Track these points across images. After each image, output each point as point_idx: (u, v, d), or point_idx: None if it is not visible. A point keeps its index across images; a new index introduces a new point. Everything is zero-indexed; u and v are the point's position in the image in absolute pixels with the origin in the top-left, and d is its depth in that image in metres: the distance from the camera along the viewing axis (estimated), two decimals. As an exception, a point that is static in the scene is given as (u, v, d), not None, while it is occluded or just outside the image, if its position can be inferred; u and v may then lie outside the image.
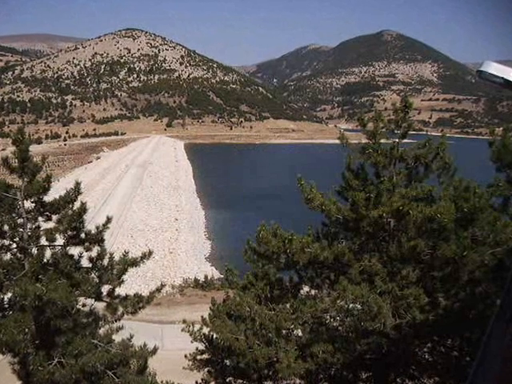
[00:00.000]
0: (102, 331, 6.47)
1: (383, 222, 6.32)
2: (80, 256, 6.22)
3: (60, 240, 5.98)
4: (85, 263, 6.31)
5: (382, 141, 6.62)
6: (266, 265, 7.94)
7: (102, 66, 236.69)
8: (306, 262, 6.71)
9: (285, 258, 7.06)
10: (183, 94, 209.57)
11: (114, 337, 6.45)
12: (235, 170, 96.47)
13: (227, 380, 8.48)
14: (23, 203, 5.71)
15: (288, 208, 41.10)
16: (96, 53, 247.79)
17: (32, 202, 5.81)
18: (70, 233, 5.98)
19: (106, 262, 6.36)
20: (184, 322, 8.66)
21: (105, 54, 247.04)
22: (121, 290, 6.73)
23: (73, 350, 5.61)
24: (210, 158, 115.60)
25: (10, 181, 5.79)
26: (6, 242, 5.81)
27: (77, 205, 6.01)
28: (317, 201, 6.66)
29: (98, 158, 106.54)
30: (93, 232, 6.22)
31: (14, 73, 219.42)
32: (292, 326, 7.16)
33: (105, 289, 6.48)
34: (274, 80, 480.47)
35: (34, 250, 5.80)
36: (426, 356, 6.87)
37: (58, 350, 5.68)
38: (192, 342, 8.79)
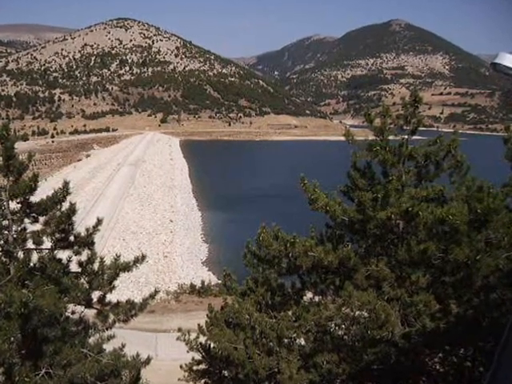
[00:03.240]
0: (92, 340, 6.46)
1: (391, 223, 6.32)
2: (69, 260, 6.21)
3: (47, 243, 5.98)
4: (74, 268, 6.31)
5: (390, 137, 6.62)
6: (266, 269, 7.94)
7: (92, 58, 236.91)
8: (310, 267, 6.71)
9: (287, 262, 7.07)
10: (178, 88, 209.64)
11: (104, 346, 6.45)
12: (234, 168, 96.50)
13: (225, 392, 8.48)
14: (8, 204, 5.70)
15: (290, 209, 41.13)
16: (86, 44, 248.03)
17: (18, 203, 5.80)
18: (58, 235, 5.97)
19: (96, 266, 6.36)
20: (179, 330, 8.67)
21: (95, 46, 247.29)
22: (112, 297, 6.73)
23: (61, 360, 5.61)
24: (208, 155, 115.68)
25: (-6, 180, 5.79)
26: (-10, 246, 5.80)
27: (65, 206, 6.00)
28: (321, 201, 6.66)
29: (88, 155, 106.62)
30: (82, 235, 6.21)
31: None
32: (294, 335, 7.16)
33: (95, 295, 6.48)
34: (276, 73, 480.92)
35: (20, 254, 5.79)
36: (437, 366, 6.88)
37: (46, 359, 5.67)
38: (188, 351, 8.80)
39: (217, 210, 55.11)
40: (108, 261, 6.47)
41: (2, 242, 5.76)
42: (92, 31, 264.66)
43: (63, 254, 6.16)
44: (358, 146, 6.85)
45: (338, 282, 7.03)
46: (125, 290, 26.92)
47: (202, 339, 8.62)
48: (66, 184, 6.02)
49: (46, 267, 5.83)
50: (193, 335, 8.67)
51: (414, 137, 6.70)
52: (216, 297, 20.78)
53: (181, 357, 9.68)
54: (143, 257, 6.56)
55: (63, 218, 5.87)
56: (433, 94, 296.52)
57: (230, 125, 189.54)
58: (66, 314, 6.08)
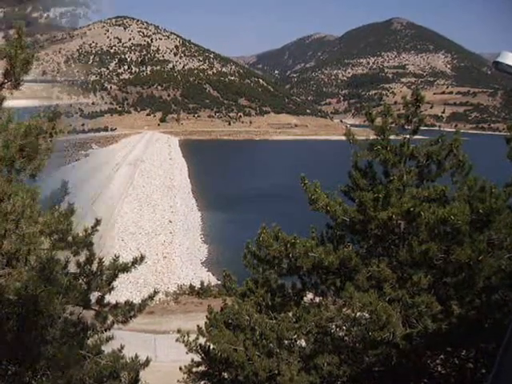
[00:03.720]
0: (90, 341, 6.46)
1: (393, 224, 6.32)
2: (67, 261, 6.22)
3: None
4: (72, 268, 6.31)
5: (392, 137, 6.63)
6: (266, 270, 7.94)
7: (91, 57, 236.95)
8: (310, 268, 6.71)
9: (287, 262, 7.06)
10: (178, 87, 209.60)
11: (103, 347, 6.45)
12: (234, 168, 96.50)
13: (225, 394, 8.48)
14: (6, 204, 5.70)
15: (290, 209, 41.13)
16: (84, 42, 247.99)
17: (15, 203, 5.80)
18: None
19: (94, 267, 6.36)
20: (179, 331, 8.66)
21: (93, 44, 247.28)
22: (111, 298, 6.73)
23: (59, 361, 5.61)
24: (207, 155, 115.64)
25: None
26: (-12, 246, 5.80)
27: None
28: (321, 201, 6.66)
29: (87, 155, 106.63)
30: (81, 235, 6.22)
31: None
32: (295, 336, 7.16)
33: (94, 296, 6.48)
34: (276, 72, 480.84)
35: (18, 255, 5.79)
36: (439, 368, 6.87)
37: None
38: (187, 353, 8.79)
39: (216, 210, 55.12)
40: (107, 261, 6.46)
41: (0, 242, 5.76)
42: (90, 29, 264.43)
43: (61, 255, 6.16)
44: (359, 146, 6.85)
45: (339, 282, 7.03)
46: (124, 290, 26.93)
47: (202, 340, 8.61)
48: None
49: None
50: (192, 336, 8.66)
51: (416, 136, 6.70)
52: (216, 298, 20.81)
53: (180, 358, 9.68)
54: (142, 257, 6.56)
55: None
56: (434, 93, 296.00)
57: (229, 124, 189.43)
58: (64, 315, 6.08)
